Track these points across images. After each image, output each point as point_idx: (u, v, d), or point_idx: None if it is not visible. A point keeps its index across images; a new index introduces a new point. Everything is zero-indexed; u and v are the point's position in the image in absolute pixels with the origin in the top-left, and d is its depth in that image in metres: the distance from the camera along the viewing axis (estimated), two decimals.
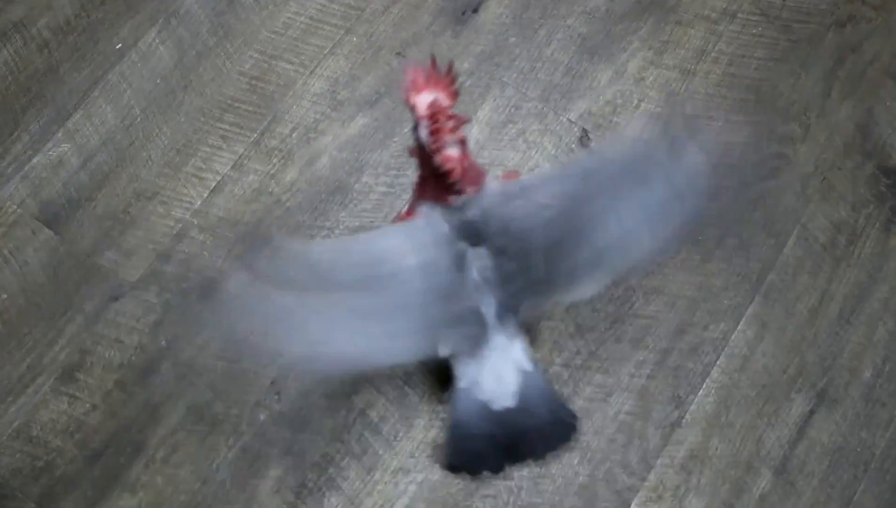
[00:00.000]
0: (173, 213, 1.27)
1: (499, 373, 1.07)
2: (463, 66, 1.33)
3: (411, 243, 0.99)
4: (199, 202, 1.27)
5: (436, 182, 0.97)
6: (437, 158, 0.93)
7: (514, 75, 1.33)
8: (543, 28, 1.36)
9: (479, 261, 1.00)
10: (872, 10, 1.38)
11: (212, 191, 1.28)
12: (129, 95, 1.32)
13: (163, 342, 1.21)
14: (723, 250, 1.25)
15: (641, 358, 1.21)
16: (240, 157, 1.29)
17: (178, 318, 1.22)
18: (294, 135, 1.30)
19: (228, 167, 1.29)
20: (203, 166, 1.29)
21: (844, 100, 1.33)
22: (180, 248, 1.25)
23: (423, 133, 0.93)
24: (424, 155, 0.95)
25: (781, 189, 1.29)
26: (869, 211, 1.28)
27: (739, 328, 1.22)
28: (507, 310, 1.03)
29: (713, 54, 1.35)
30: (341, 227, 1.25)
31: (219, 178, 1.28)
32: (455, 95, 0.94)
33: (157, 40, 1.35)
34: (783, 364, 1.21)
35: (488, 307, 1.02)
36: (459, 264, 0.99)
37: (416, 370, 1.19)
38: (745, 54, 1.35)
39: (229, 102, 1.32)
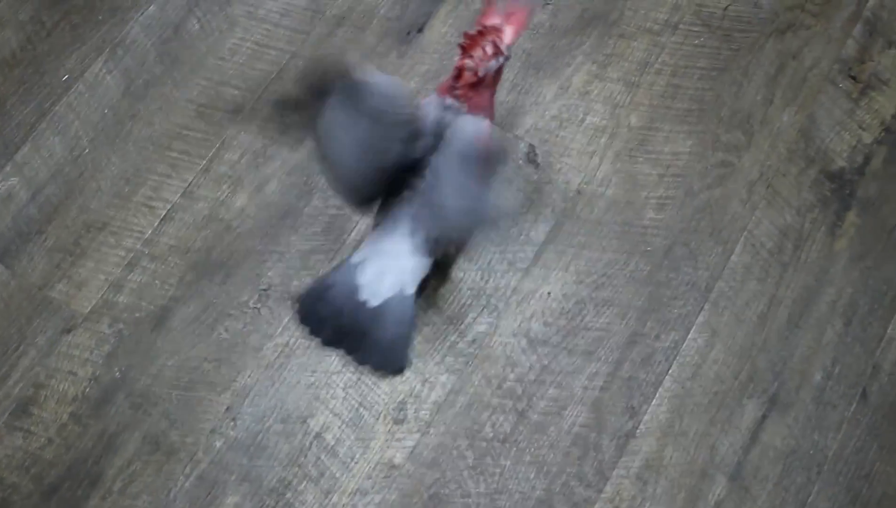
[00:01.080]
0: (124, 243, 1.27)
1: (382, 272, 1.12)
2: (410, 84, 1.34)
3: (405, 112, 1.08)
4: (149, 231, 1.27)
5: (452, 80, 1.08)
6: (458, 58, 1.06)
7: None
8: None
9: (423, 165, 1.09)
10: (811, 17, 1.40)
11: (162, 220, 1.28)
12: (76, 126, 1.32)
13: (117, 373, 1.21)
14: (671, 259, 1.27)
15: (594, 370, 1.22)
16: (189, 184, 1.29)
17: (131, 348, 1.22)
18: (243, 161, 1.30)
19: (178, 195, 1.29)
20: (153, 195, 1.29)
21: (786, 106, 1.35)
22: (132, 278, 1.25)
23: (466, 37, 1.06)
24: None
25: (727, 197, 1.30)
26: (814, 215, 1.30)
27: (690, 336, 1.24)
28: (420, 224, 1.10)
29: (656, 66, 1.37)
30: (292, 251, 1.26)
31: (169, 206, 1.28)
32: (517, 34, 1.06)
33: (103, 70, 1.35)
34: (734, 371, 1.22)
35: (405, 207, 1.10)
36: (413, 151, 1.08)
37: (370, 391, 1.20)
38: (687, 65, 1.37)
39: (177, 130, 1.32)
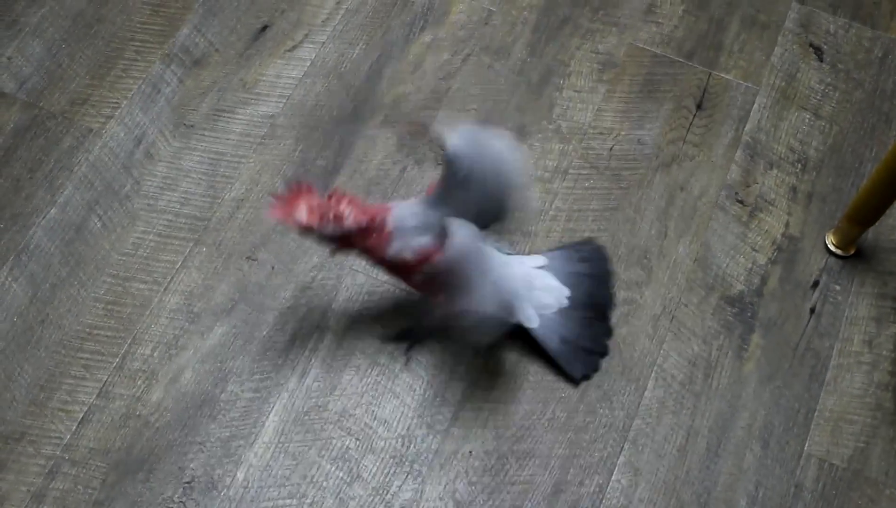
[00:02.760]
0: (43, 451, 1.26)
1: (544, 287, 1.27)
2: (312, 260, 1.36)
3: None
4: (68, 436, 1.27)
5: (372, 248, 1.16)
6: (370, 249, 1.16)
7: (364, 262, 1.36)
8: None
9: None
10: (694, 148, 1.45)
11: (80, 423, 1.28)
12: None
13: None
14: (586, 403, 1.29)
15: None
16: (104, 384, 1.30)
17: None
18: (155, 354, 1.31)
19: (94, 396, 1.29)
20: (68, 399, 1.29)
21: (680, 238, 1.39)
22: (54, 486, 1.24)
23: (328, 229, 1.11)
24: (347, 241, 1.15)
25: (634, 334, 1.33)
26: (720, 342, 1.33)
27: (614, 478, 1.25)
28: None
29: (551, 212, 1.41)
30: (213, 439, 1.26)
31: (85, 408, 1.28)
32: (312, 190, 1.12)
33: (9, 279, 1.36)
34: (661, 507, 1.24)
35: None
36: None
37: None
38: (581, 208, 1.41)
39: (88, 330, 1.33)
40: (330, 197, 1.12)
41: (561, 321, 1.28)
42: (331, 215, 1.11)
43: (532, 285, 1.27)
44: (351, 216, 1.12)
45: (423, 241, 1.14)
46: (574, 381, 1.30)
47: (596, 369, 1.31)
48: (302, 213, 1.10)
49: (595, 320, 1.31)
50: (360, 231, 1.13)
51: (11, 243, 1.39)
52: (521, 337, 1.29)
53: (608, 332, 1.33)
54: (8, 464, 1.26)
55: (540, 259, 1.31)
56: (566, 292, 1.29)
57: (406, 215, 1.16)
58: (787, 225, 1.41)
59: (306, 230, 1.11)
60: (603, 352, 1.31)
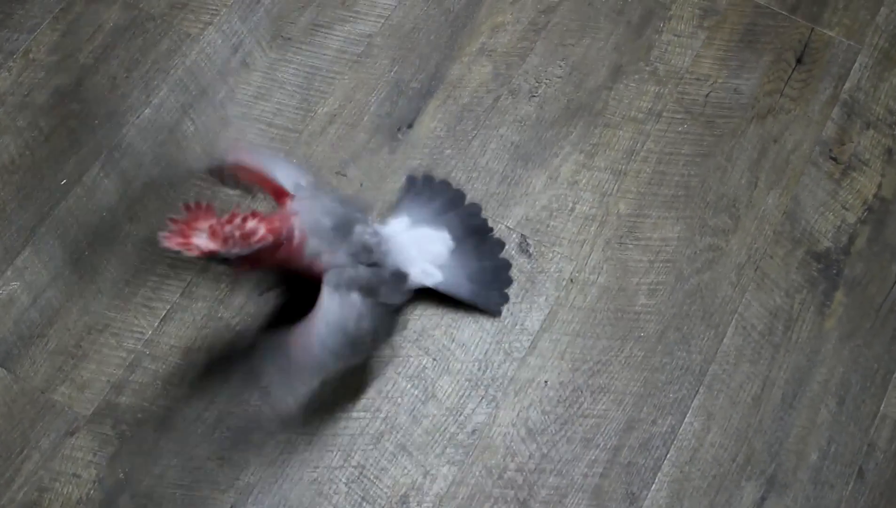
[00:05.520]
0: (125, 344, 1.28)
1: (426, 238, 1.28)
2: (402, 180, 1.37)
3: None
4: (149, 332, 1.29)
5: (284, 260, 1.11)
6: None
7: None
8: (477, 139, 1.40)
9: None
10: (790, 101, 1.44)
11: (162, 320, 1.29)
12: (75, 229, 1.34)
13: (120, 475, 1.21)
14: (664, 344, 1.29)
15: (593, 457, 1.23)
16: (188, 284, 1.31)
17: (134, 449, 1.23)
18: None
19: (177, 295, 1.31)
20: (152, 296, 1.31)
21: (770, 189, 1.38)
22: (133, 378, 1.26)
23: (233, 252, 1.03)
24: (254, 259, 1.06)
25: (717, 281, 1.33)
26: (802, 296, 1.32)
27: (686, 420, 1.25)
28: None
29: (642, 154, 1.40)
30: None
31: (168, 306, 1.30)
32: (211, 211, 1.04)
33: (101, 174, 1.38)
34: (732, 453, 1.24)
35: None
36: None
37: (372, 485, 1.21)
38: (672, 151, 1.40)
39: None
40: (231, 216, 1.04)
41: (457, 263, 1.28)
42: (237, 235, 1.03)
43: (418, 243, 1.27)
44: (261, 232, 1.04)
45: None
46: (497, 314, 1.29)
47: (510, 284, 1.31)
48: (202, 238, 1.01)
49: (482, 244, 1.32)
50: (269, 247, 1.06)
51: (105, 140, 1.40)
52: (433, 296, 1.29)
53: (500, 245, 1.33)
54: (90, 354, 1.28)
55: (403, 219, 1.29)
56: (445, 233, 1.29)
57: (318, 217, 1.12)
58: (879, 186, 1.40)
59: (209, 256, 1.02)
60: (507, 267, 1.32)
